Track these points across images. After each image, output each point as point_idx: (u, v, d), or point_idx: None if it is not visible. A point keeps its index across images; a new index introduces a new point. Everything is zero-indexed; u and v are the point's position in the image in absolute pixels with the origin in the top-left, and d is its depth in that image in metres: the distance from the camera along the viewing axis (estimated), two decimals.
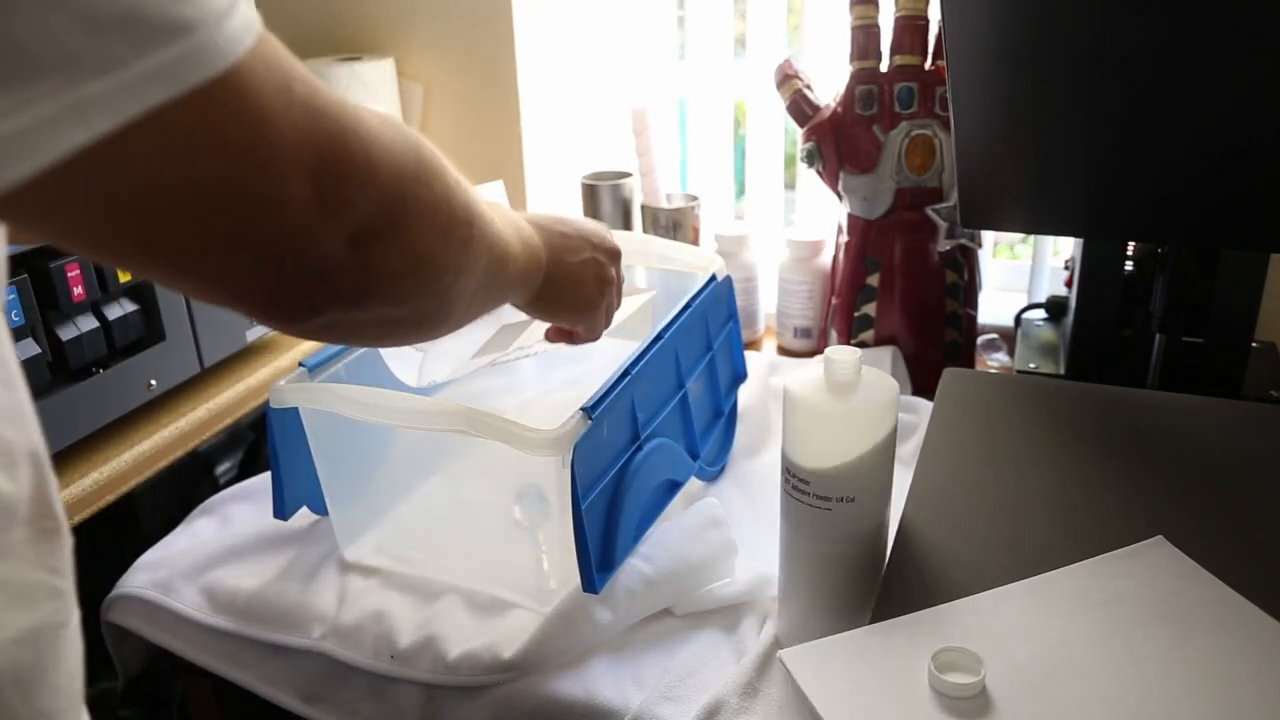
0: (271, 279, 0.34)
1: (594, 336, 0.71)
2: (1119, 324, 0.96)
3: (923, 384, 1.12)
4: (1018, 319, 1.15)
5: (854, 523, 0.62)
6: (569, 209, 1.31)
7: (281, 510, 0.81)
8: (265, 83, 0.31)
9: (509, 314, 0.63)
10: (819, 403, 0.60)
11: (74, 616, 0.43)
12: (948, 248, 1.10)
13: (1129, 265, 0.96)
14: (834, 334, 1.20)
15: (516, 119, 1.31)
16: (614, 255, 0.68)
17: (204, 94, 0.29)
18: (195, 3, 0.29)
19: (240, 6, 0.31)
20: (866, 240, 1.13)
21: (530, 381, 1.06)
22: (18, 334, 0.78)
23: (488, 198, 0.89)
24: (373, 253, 0.36)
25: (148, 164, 0.29)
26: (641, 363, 0.76)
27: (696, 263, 0.97)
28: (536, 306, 0.62)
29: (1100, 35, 0.76)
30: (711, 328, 0.91)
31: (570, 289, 0.63)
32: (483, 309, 0.51)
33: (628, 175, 1.24)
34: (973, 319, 1.15)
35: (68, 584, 0.42)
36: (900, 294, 1.13)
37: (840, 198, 1.15)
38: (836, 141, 1.10)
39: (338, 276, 0.35)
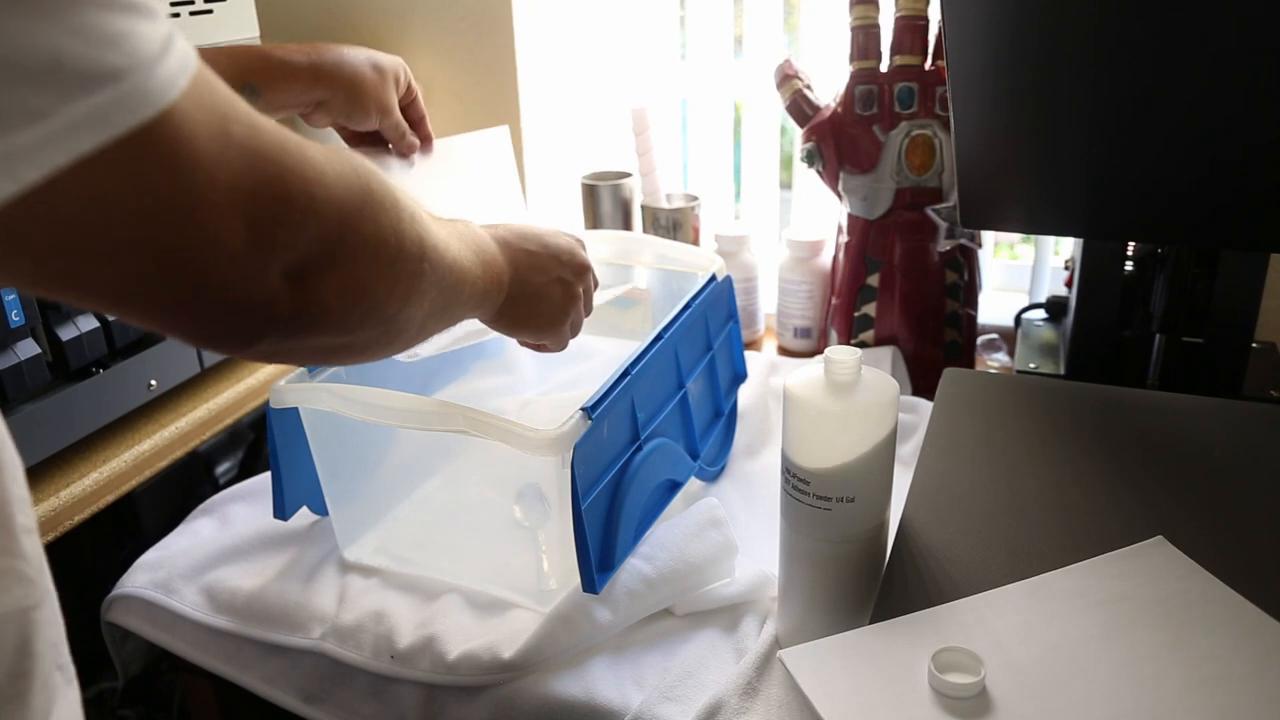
0: (204, 313, 0.34)
1: (560, 348, 0.71)
2: (1119, 324, 0.96)
3: (923, 384, 1.12)
4: (1018, 319, 1.15)
5: (854, 523, 0.62)
6: (569, 209, 1.31)
7: (281, 510, 0.81)
8: (198, 126, 0.31)
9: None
10: (819, 403, 0.60)
11: (47, 599, 0.43)
12: (948, 248, 1.10)
13: (1129, 265, 0.96)
14: (834, 334, 1.20)
15: (516, 119, 1.31)
16: (582, 272, 0.67)
17: (133, 141, 0.29)
18: (123, 49, 0.29)
19: (175, 48, 0.31)
20: (866, 240, 1.13)
21: (530, 381, 1.06)
22: (17, 334, 0.78)
23: (491, 144, 0.89)
24: (310, 287, 0.36)
25: (77, 210, 0.29)
26: (641, 363, 0.76)
27: (696, 263, 0.97)
28: (499, 323, 0.62)
29: (1101, 35, 0.76)
30: (711, 328, 0.91)
31: (533, 307, 0.63)
32: (435, 330, 0.51)
33: (628, 175, 1.24)
34: (973, 319, 1.15)
35: (33, 568, 0.42)
36: (900, 294, 1.13)
37: (840, 198, 1.15)
38: (836, 141, 1.10)
39: (274, 309, 0.35)
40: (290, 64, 0.69)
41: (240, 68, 0.67)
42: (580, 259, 0.67)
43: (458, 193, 0.86)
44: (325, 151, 0.37)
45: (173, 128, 0.30)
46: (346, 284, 0.38)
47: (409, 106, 0.79)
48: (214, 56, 0.67)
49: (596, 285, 0.71)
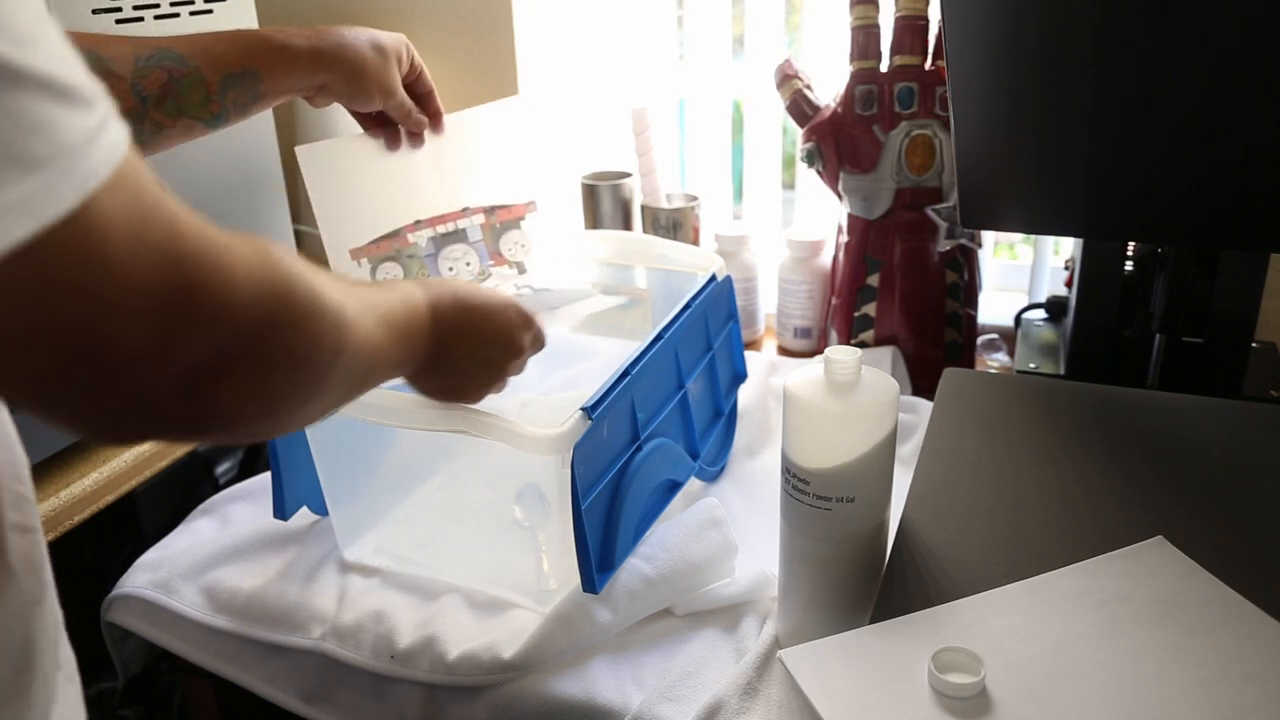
0: (92, 411, 0.33)
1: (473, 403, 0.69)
2: (1119, 324, 0.96)
3: (923, 384, 1.12)
4: (1018, 319, 1.15)
5: (854, 523, 0.62)
6: (569, 209, 1.31)
7: (281, 510, 0.81)
8: (113, 226, 0.30)
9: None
10: (819, 403, 0.60)
11: (45, 596, 0.44)
12: (948, 248, 1.10)
13: (1129, 265, 0.96)
14: (834, 334, 1.20)
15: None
16: (516, 354, 0.66)
17: (49, 235, 0.28)
18: (48, 138, 0.28)
19: (101, 142, 0.30)
20: (866, 240, 1.13)
21: (530, 381, 1.05)
22: None
23: (504, 116, 0.87)
24: (210, 393, 0.35)
25: None
26: (641, 363, 0.76)
27: (696, 263, 0.97)
28: (410, 383, 0.61)
29: (1101, 36, 0.76)
30: (711, 328, 0.91)
31: (449, 378, 0.62)
32: (334, 411, 0.49)
33: (628, 175, 1.24)
34: (973, 319, 1.15)
35: (24, 565, 0.42)
36: (900, 294, 1.13)
37: (840, 198, 1.15)
38: (836, 141, 1.10)
39: (164, 414, 0.34)
40: (291, 48, 0.69)
41: (241, 51, 0.67)
42: (516, 343, 0.65)
43: (469, 171, 0.85)
44: (251, 258, 0.36)
45: (89, 223, 0.29)
46: (245, 393, 0.37)
47: (415, 83, 0.78)
48: (215, 40, 0.66)
49: (541, 347, 0.69)
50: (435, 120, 0.81)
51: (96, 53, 0.62)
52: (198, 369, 0.34)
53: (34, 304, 0.29)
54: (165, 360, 0.33)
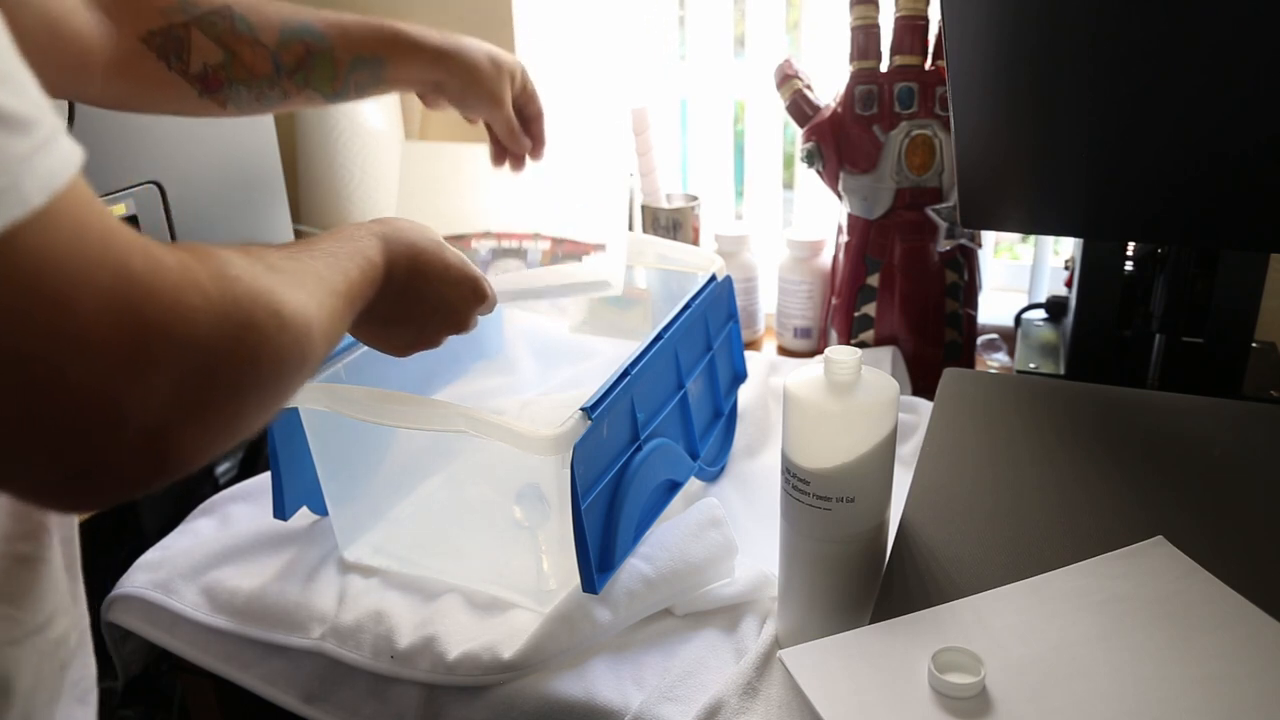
0: (44, 473, 0.30)
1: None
2: (1119, 324, 0.96)
3: (923, 384, 1.12)
4: (1018, 319, 1.15)
5: (854, 523, 0.62)
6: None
7: (281, 510, 0.81)
8: (55, 259, 0.28)
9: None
10: (819, 403, 0.60)
11: (48, 626, 0.43)
12: (948, 248, 1.10)
13: (1129, 265, 0.96)
14: (834, 334, 1.20)
15: None
16: (458, 325, 0.66)
17: None
18: None
19: (43, 158, 0.28)
20: (866, 240, 1.13)
21: (530, 381, 1.06)
22: None
23: (605, 151, 0.91)
24: (174, 438, 0.33)
25: None
26: (641, 363, 0.76)
27: (696, 263, 0.97)
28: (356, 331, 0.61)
29: (1100, 35, 0.76)
30: (711, 328, 0.91)
31: (381, 327, 0.62)
32: None
33: (628, 175, 1.24)
34: (973, 319, 1.15)
35: (12, 608, 0.42)
36: (900, 294, 1.13)
37: (840, 198, 1.15)
38: (836, 141, 1.10)
39: (128, 469, 0.32)
40: (419, 44, 0.72)
41: (374, 38, 0.70)
42: (460, 317, 0.66)
43: (552, 199, 0.88)
44: (208, 287, 0.34)
45: (18, 254, 0.27)
46: (212, 427, 0.35)
47: (525, 105, 0.81)
48: (354, 24, 0.69)
49: (489, 311, 0.70)
50: (537, 146, 0.83)
51: (247, 19, 0.65)
52: (159, 416, 0.32)
53: None
54: (121, 407, 0.30)
